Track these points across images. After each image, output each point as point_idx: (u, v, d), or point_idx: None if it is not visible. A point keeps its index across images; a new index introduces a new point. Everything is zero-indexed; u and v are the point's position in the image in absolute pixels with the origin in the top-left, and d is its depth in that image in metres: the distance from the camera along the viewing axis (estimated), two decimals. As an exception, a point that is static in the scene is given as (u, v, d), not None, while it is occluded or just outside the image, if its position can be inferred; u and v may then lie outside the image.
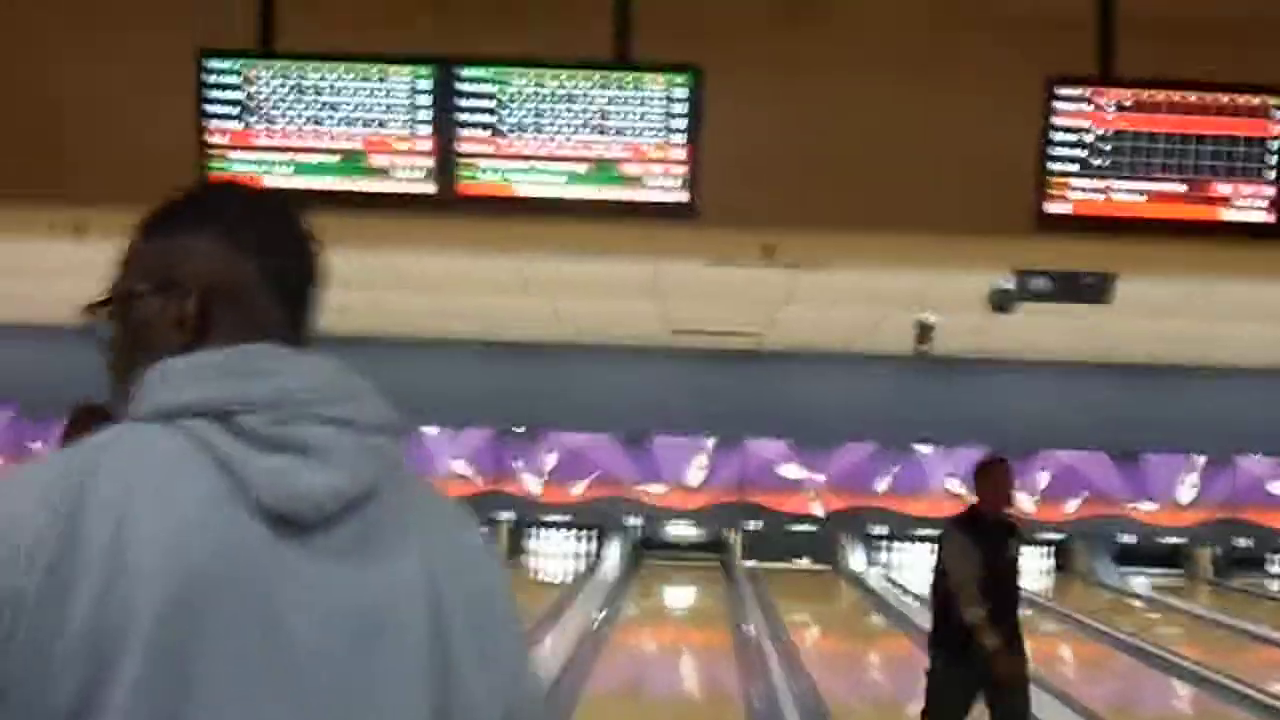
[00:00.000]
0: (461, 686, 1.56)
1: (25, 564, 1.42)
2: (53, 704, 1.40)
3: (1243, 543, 21.67)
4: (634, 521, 21.60)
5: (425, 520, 1.65)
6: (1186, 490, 21.63)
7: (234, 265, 1.65)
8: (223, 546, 1.46)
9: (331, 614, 1.49)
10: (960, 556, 7.10)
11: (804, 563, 21.53)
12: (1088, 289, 9.28)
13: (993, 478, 7.27)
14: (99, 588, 1.41)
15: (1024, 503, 21.54)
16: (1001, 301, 11.19)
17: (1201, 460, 21.58)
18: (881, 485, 21.68)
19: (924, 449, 21.68)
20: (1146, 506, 21.61)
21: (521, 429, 21.63)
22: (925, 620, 15.44)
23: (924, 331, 16.42)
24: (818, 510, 21.68)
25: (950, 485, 21.65)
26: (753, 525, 21.64)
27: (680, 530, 21.86)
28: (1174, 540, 21.87)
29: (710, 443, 21.62)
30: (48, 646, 1.40)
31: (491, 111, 5.59)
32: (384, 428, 1.64)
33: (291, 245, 1.71)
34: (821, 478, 21.65)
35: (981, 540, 7.23)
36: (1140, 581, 21.26)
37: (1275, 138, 5.61)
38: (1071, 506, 21.63)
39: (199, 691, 1.42)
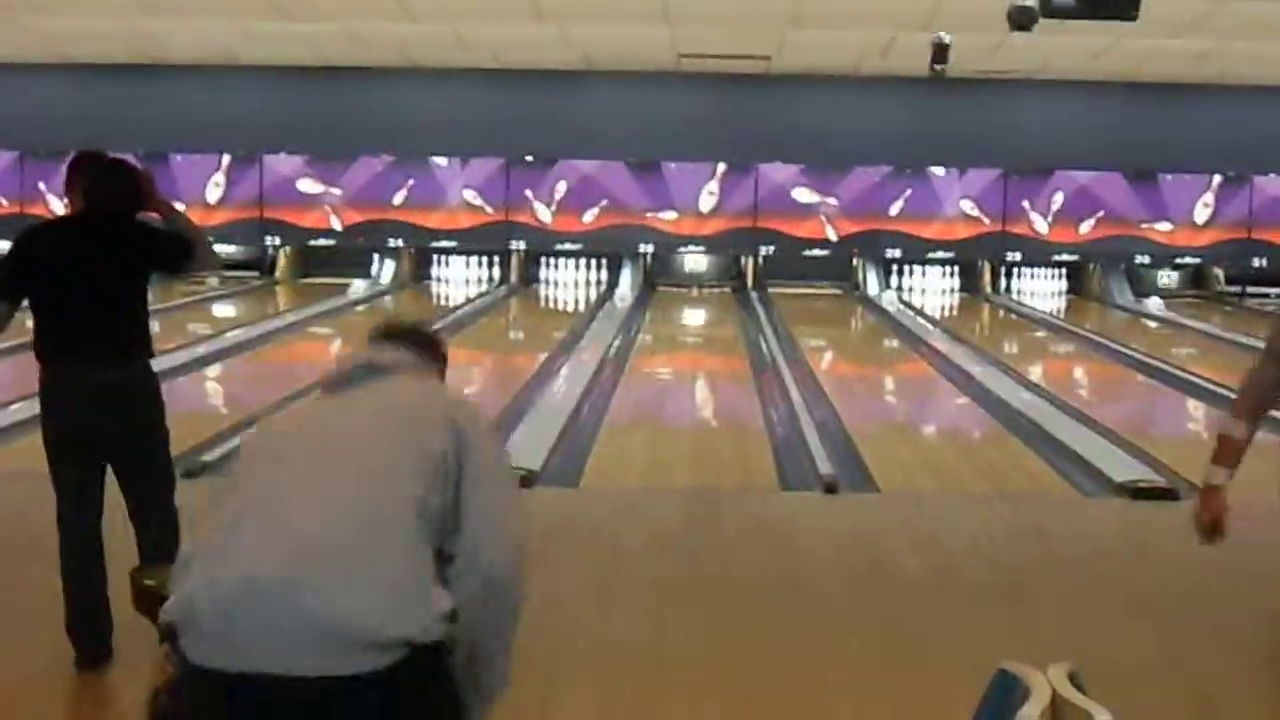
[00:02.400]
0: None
1: None
2: None
3: (1258, 262, 21.63)
4: (646, 248, 21.58)
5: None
6: (1202, 210, 21.52)
7: None
8: None
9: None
10: None
11: (820, 287, 21.55)
12: (1113, 3, 9.06)
13: None
14: None
15: (1038, 223, 21.49)
16: (1022, 19, 10.95)
17: (1218, 180, 21.42)
18: (895, 208, 21.58)
19: (938, 171, 21.53)
20: (1162, 227, 21.53)
21: (532, 157, 21.47)
22: (940, 342, 15.59)
23: (940, 51, 16.13)
24: (831, 234, 21.63)
25: (964, 207, 21.56)
26: (765, 250, 21.61)
27: (693, 257, 21.84)
28: (1190, 260, 21.84)
29: (721, 168, 21.47)
30: None
31: None
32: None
33: None
34: (834, 201, 21.55)
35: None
36: (1154, 302, 21.31)
37: None
38: (1086, 228, 21.55)
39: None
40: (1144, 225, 21.53)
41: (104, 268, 5.14)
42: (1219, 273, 22.10)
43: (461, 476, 3.01)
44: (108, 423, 5.14)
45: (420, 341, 3.37)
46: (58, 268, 5.13)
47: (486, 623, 3.01)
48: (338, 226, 21.59)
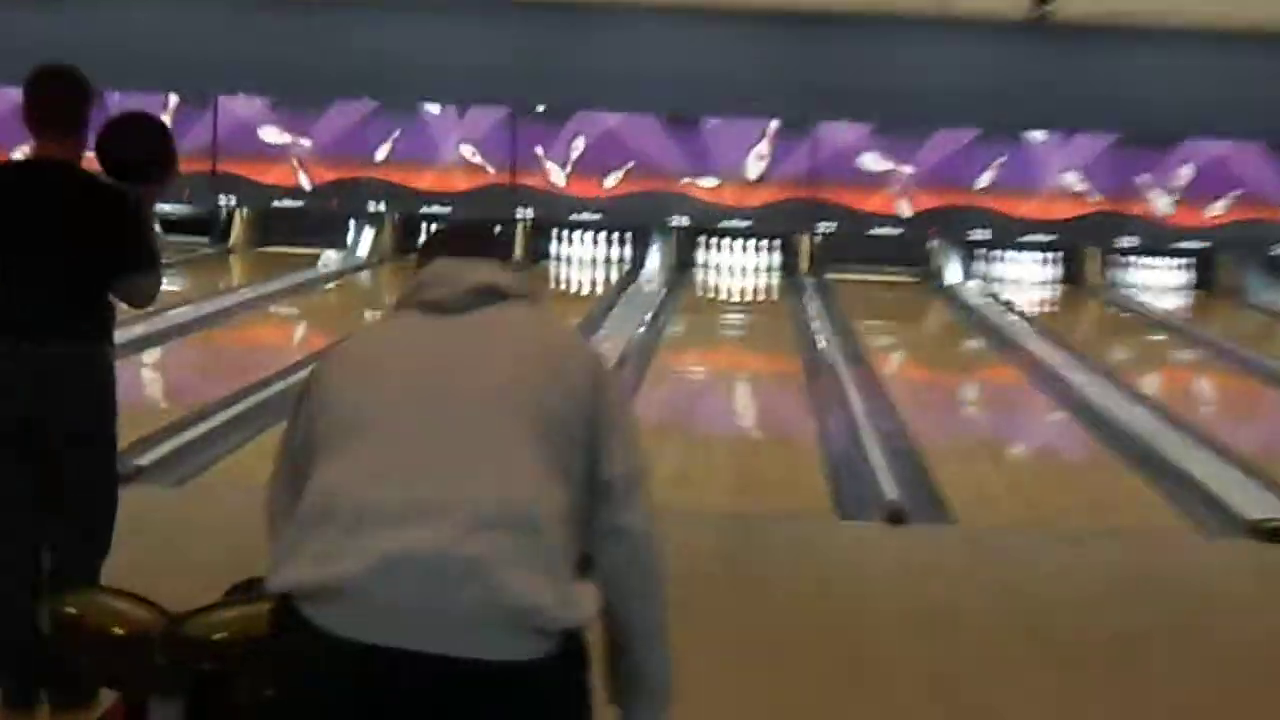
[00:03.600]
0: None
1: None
2: None
3: None
4: (680, 221, 21.58)
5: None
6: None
7: None
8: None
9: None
10: None
11: (889, 274, 21.55)
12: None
13: None
14: None
15: (1159, 202, 21.44)
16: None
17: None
18: (984, 180, 21.55)
19: (1037, 136, 21.49)
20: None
21: (543, 107, 21.48)
22: (1035, 344, 15.57)
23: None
24: (905, 210, 21.61)
25: (1068, 181, 21.52)
26: (825, 227, 21.60)
27: (737, 230, 21.85)
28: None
29: (774, 126, 21.46)
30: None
31: None
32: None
33: None
34: (910, 170, 21.53)
35: None
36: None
37: None
38: (1219, 208, 21.49)
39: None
40: (1288, 208, 21.49)
41: (74, 231, 5.17)
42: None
43: (596, 434, 3.15)
44: (38, 411, 5.13)
45: (513, 260, 3.57)
46: (9, 221, 5.17)
47: (634, 589, 3.17)
48: (306, 185, 21.62)
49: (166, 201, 19.96)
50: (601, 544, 3.14)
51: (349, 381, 3.16)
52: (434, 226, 21.62)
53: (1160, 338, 18.31)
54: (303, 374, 3.45)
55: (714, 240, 21.91)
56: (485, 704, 2.94)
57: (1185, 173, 21.42)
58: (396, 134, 21.53)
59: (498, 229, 3.29)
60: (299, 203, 21.65)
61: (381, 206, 21.59)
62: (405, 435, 3.05)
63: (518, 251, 21.19)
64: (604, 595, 3.10)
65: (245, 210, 21.79)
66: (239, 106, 21.50)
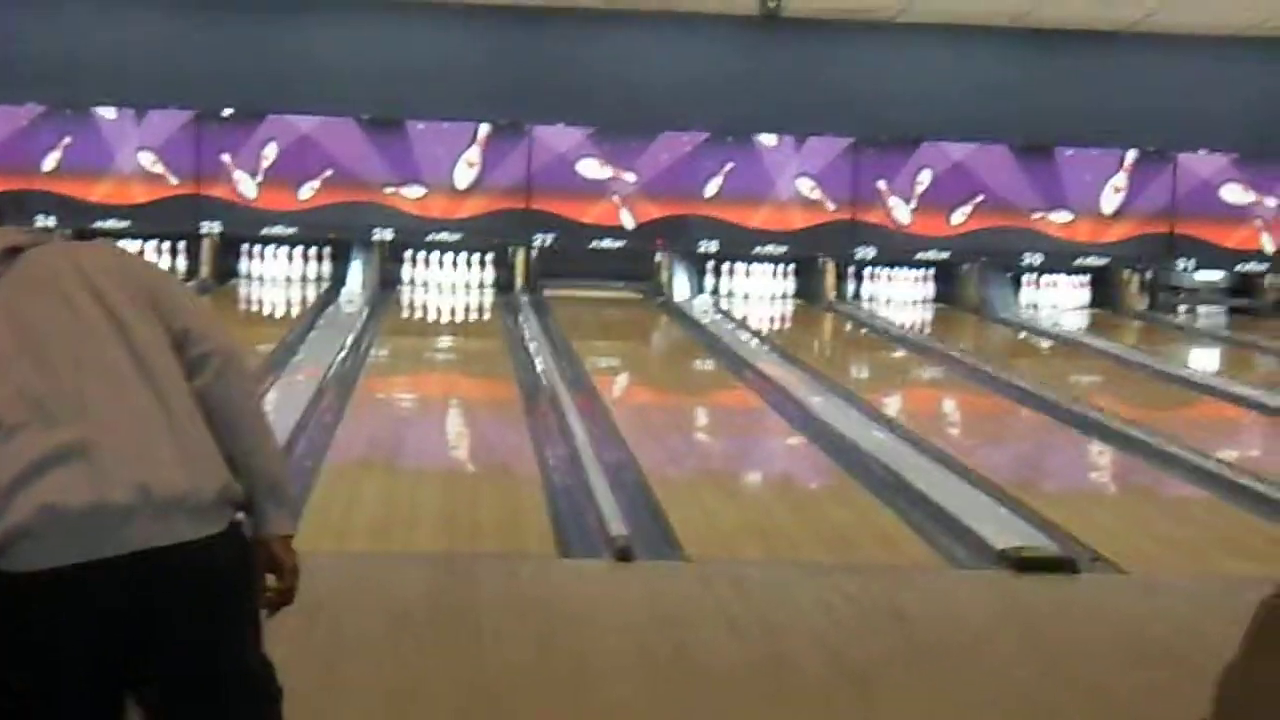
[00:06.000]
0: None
1: None
2: None
3: (1183, 264, 22.27)
4: (384, 234, 21.50)
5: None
6: (1112, 195, 22.04)
7: None
8: None
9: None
10: None
11: (613, 289, 21.66)
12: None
13: None
14: None
15: (899, 211, 21.82)
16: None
17: (1133, 156, 21.94)
18: (712, 187, 21.76)
19: (769, 139, 21.76)
20: (1059, 216, 22.04)
21: (231, 110, 21.27)
22: (768, 364, 15.71)
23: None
24: (628, 221, 21.73)
25: (802, 187, 21.81)
26: (542, 239, 21.65)
27: (446, 244, 21.81)
28: (1095, 261, 22.32)
29: (485, 130, 21.47)
30: None
31: None
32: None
33: None
34: (633, 177, 21.67)
35: None
36: (1049, 314, 21.74)
37: None
38: (961, 215, 21.93)
39: None
40: (1036, 215, 22.00)
41: None
42: (1137, 276, 22.56)
43: (171, 315, 3.77)
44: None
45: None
46: None
47: (234, 398, 3.76)
48: (-37, 198, 21.19)
49: None
50: (199, 371, 3.72)
51: None
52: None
53: (902, 354, 18.61)
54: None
55: (421, 255, 21.86)
56: (179, 587, 3.54)
57: (925, 178, 21.86)
58: (67, 140, 21.18)
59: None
60: (-44, 218, 21.19)
61: (51, 221, 21.19)
62: (25, 385, 3.59)
63: (204, 270, 20.97)
64: (214, 416, 3.71)
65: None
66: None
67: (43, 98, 21.06)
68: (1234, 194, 22.10)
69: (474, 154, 21.60)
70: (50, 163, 21.22)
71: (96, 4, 20.97)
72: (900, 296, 22.19)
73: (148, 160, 21.31)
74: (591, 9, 21.07)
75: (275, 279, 21.51)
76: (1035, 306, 22.18)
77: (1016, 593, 7.95)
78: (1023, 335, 20.15)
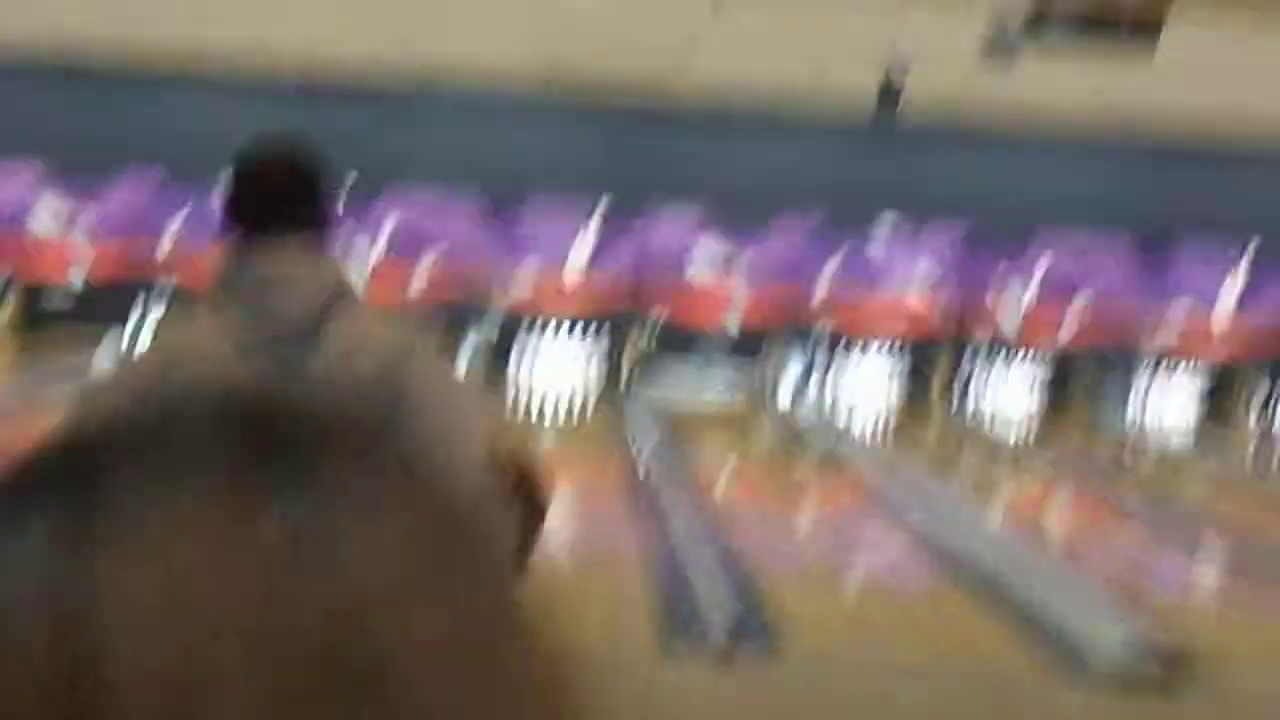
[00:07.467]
0: None
1: None
2: None
3: None
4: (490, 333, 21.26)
5: None
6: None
7: None
8: None
9: None
10: None
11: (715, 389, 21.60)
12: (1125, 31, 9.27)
13: None
14: None
15: (1011, 316, 21.65)
16: (1002, 45, 11.19)
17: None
18: (822, 288, 21.64)
19: (879, 236, 21.64)
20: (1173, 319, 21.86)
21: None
22: (872, 465, 15.59)
23: (890, 86, 16.39)
24: (735, 319, 21.61)
25: (913, 288, 21.68)
26: (648, 333, 21.56)
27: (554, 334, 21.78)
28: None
29: (594, 223, 21.42)
30: None
31: None
32: None
33: None
34: (744, 272, 21.57)
35: None
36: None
37: None
38: (1073, 321, 21.76)
39: None
40: (1150, 319, 21.82)
41: None
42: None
43: None
44: None
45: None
46: None
47: None
48: None
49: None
50: None
51: None
52: None
53: (1009, 462, 18.50)
54: None
55: (530, 343, 21.78)
56: None
57: (1037, 279, 21.65)
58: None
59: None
60: None
61: None
62: None
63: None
64: None
65: None
66: None
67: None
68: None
69: (583, 249, 21.46)
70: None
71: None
72: (1009, 401, 21.99)
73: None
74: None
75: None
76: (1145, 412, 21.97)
77: (1121, 711, 7.91)
78: (1132, 442, 19.99)
